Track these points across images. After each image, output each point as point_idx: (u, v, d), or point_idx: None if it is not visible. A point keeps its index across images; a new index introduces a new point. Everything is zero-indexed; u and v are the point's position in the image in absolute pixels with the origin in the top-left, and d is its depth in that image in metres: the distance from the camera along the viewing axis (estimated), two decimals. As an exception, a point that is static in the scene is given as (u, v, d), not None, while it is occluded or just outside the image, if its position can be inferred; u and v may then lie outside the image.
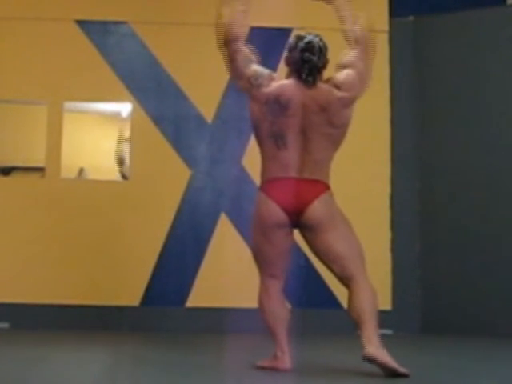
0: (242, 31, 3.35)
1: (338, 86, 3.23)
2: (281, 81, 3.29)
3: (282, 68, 3.44)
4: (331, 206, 3.21)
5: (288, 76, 3.32)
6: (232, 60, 3.32)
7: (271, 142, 3.22)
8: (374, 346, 2.97)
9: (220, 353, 4.10)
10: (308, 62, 3.22)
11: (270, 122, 3.21)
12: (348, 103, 3.24)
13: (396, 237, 5.67)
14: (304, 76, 3.23)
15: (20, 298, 5.39)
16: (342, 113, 3.22)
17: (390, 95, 5.77)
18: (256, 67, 3.31)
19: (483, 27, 5.72)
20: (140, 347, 4.41)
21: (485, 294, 5.42)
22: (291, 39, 3.35)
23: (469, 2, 5.77)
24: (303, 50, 3.24)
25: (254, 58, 3.34)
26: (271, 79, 3.28)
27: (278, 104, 3.20)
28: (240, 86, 3.34)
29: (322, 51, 3.26)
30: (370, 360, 2.96)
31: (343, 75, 3.27)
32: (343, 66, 3.30)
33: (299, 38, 3.30)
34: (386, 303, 5.43)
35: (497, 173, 5.53)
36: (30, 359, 3.59)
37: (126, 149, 5.95)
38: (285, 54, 3.36)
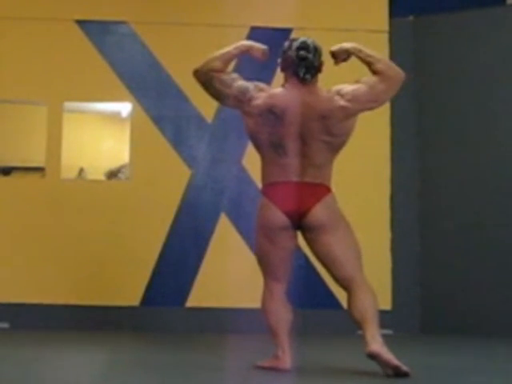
0: (221, 67, 3.25)
1: (342, 95, 3.20)
2: (272, 90, 3.28)
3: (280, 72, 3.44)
4: (333, 209, 3.22)
5: (285, 82, 3.32)
6: (209, 86, 3.26)
7: (271, 150, 3.22)
8: (377, 343, 2.99)
9: (220, 353, 4.10)
10: (304, 60, 3.24)
11: (268, 132, 3.20)
12: (349, 114, 3.19)
13: (396, 237, 5.67)
14: (302, 74, 3.23)
15: (20, 298, 5.39)
16: (341, 122, 3.19)
17: (390, 95, 5.77)
18: (239, 83, 3.27)
19: (483, 27, 5.72)
20: (140, 347, 4.41)
21: (485, 293, 5.42)
22: (285, 43, 3.36)
23: (469, 2, 5.77)
24: (299, 49, 3.26)
25: (234, 76, 3.29)
26: (259, 90, 3.26)
27: (273, 114, 3.19)
28: (230, 105, 3.31)
29: (316, 50, 3.28)
30: (374, 356, 2.97)
31: (352, 86, 3.23)
32: (358, 81, 3.25)
33: (293, 40, 3.35)
34: (386, 303, 5.43)
35: (497, 172, 5.53)
36: (29, 359, 3.59)
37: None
38: (279, 59, 3.36)
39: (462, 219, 5.58)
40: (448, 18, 5.81)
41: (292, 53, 3.27)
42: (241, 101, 3.24)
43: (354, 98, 3.19)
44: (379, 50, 5.71)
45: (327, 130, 3.18)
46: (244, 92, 3.24)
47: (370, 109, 3.27)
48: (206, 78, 3.26)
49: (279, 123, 3.18)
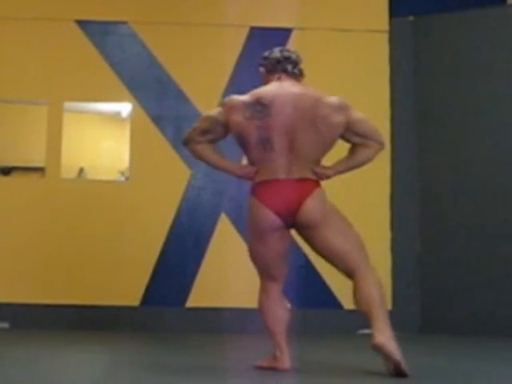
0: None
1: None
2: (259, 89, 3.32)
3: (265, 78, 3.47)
4: (324, 202, 3.18)
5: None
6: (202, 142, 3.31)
7: (259, 147, 3.17)
8: (384, 336, 2.95)
9: (220, 353, 4.10)
10: (289, 58, 3.34)
11: (257, 126, 3.15)
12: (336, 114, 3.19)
13: (396, 237, 5.67)
14: (290, 68, 3.32)
15: (20, 298, 5.39)
16: (328, 118, 3.16)
17: (390, 95, 5.77)
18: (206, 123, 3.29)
19: (483, 27, 5.72)
20: (140, 347, 4.41)
21: (484, 294, 5.42)
22: (262, 54, 3.42)
23: (469, 1, 5.77)
24: (282, 51, 3.38)
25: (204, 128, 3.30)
26: (231, 102, 3.26)
27: (261, 105, 3.17)
28: (229, 130, 3.29)
29: (297, 56, 3.39)
30: (378, 348, 2.93)
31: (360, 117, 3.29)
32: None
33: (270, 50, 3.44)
34: (386, 303, 5.42)
35: (497, 172, 5.53)
36: (30, 359, 3.59)
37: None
38: (261, 68, 3.40)
39: (462, 219, 5.58)
40: (448, 18, 5.81)
41: (276, 54, 3.36)
42: (220, 123, 3.25)
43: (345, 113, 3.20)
44: (379, 50, 5.79)
45: (314, 123, 3.14)
46: (215, 120, 3.26)
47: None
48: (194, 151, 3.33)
49: (267, 113, 3.15)
